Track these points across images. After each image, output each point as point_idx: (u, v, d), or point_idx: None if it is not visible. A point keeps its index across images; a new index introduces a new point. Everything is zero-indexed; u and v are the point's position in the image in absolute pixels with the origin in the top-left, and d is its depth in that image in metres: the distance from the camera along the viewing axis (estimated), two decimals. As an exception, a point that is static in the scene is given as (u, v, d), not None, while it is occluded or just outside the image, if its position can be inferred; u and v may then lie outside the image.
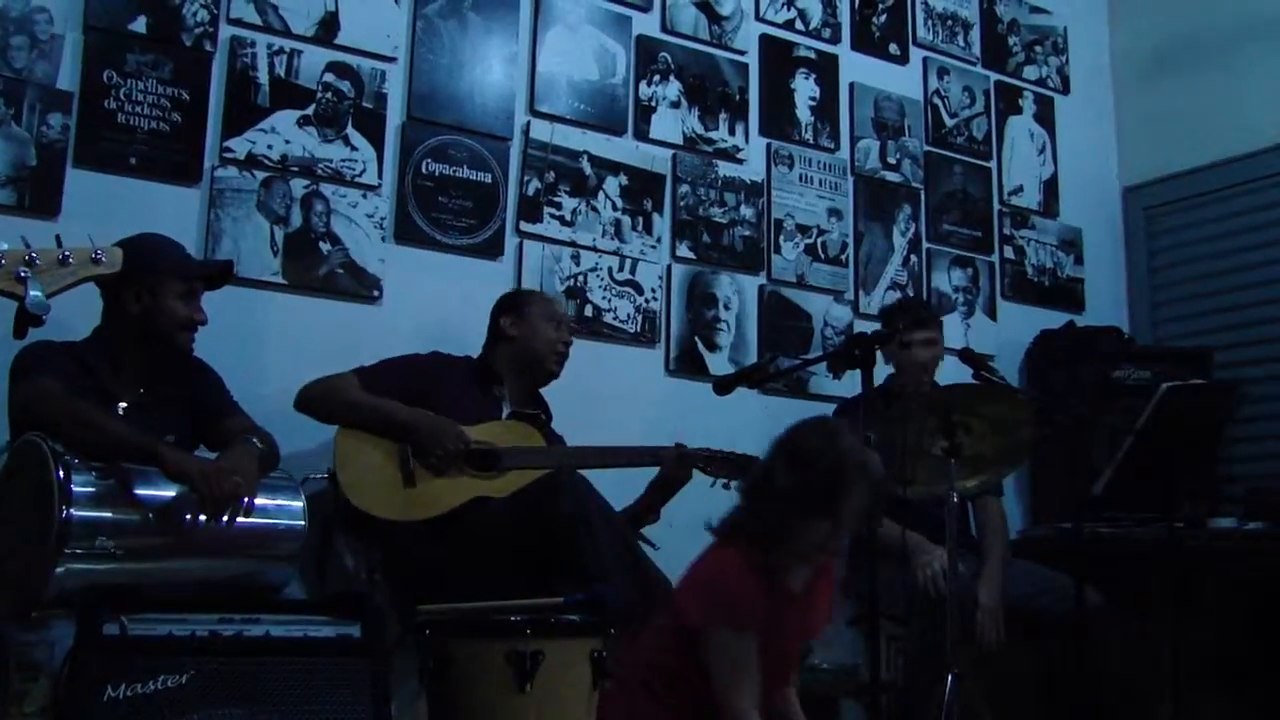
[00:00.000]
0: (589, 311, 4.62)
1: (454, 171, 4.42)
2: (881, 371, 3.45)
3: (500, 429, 3.83)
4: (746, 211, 5.04)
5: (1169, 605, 4.17)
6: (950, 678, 3.51)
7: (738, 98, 5.11)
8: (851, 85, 5.45)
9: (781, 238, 5.12)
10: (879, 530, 3.25)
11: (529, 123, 4.60)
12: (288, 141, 4.13)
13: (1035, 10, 6.13)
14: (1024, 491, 5.35)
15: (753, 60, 5.20)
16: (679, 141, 4.94)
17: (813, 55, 5.35)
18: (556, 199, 4.62)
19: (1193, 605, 4.27)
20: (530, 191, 4.56)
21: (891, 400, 4.20)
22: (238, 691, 2.29)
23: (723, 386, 3.68)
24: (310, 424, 3.71)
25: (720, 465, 3.91)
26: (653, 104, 4.89)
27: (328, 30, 4.25)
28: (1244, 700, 4.58)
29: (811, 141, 5.28)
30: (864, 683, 3.90)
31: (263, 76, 4.12)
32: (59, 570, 2.70)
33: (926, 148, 5.63)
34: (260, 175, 4.06)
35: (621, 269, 4.72)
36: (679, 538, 3.70)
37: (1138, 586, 4.29)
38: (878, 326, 4.62)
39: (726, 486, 3.86)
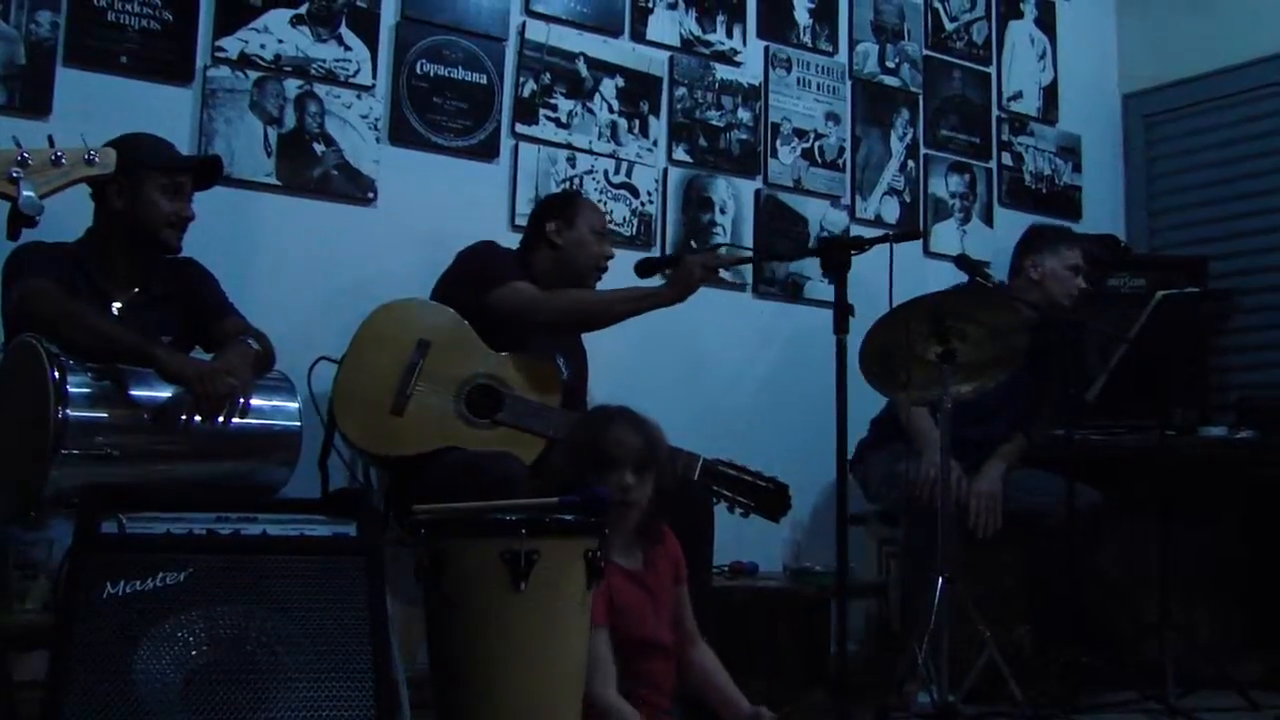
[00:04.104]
0: (584, 215, 4.59)
1: (449, 72, 4.38)
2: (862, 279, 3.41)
3: (521, 367, 3.67)
4: (743, 115, 5.00)
5: (1159, 512, 4.20)
6: (940, 581, 3.54)
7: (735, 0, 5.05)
8: (851, -13, 5.38)
9: (778, 142, 5.09)
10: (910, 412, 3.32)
11: (524, 23, 4.54)
12: (281, 41, 4.08)
13: (1038, -88, 6.05)
14: (1017, 398, 5.36)
15: (751, -39, 5.12)
16: (676, 43, 4.88)
17: (812, -44, 5.28)
18: (552, 101, 4.58)
19: (1183, 512, 4.31)
20: (526, 93, 4.52)
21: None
22: (235, 589, 2.31)
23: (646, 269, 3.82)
24: (302, 325, 3.70)
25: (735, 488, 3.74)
26: (649, 5, 4.82)
27: (320, -73, 4.19)
28: (1231, 603, 4.65)
29: (810, 45, 5.22)
30: (857, 586, 3.93)
31: (255, -26, 4.06)
32: (56, 471, 2.72)
33: (926, 52, 5.57)
34: (253, 75, 4.02)
35: (617, 172, 4.69)
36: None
37: (1129, 494, 4.33)
38: (874, 231, 4.59)
39: (745, 515, 3.75)
